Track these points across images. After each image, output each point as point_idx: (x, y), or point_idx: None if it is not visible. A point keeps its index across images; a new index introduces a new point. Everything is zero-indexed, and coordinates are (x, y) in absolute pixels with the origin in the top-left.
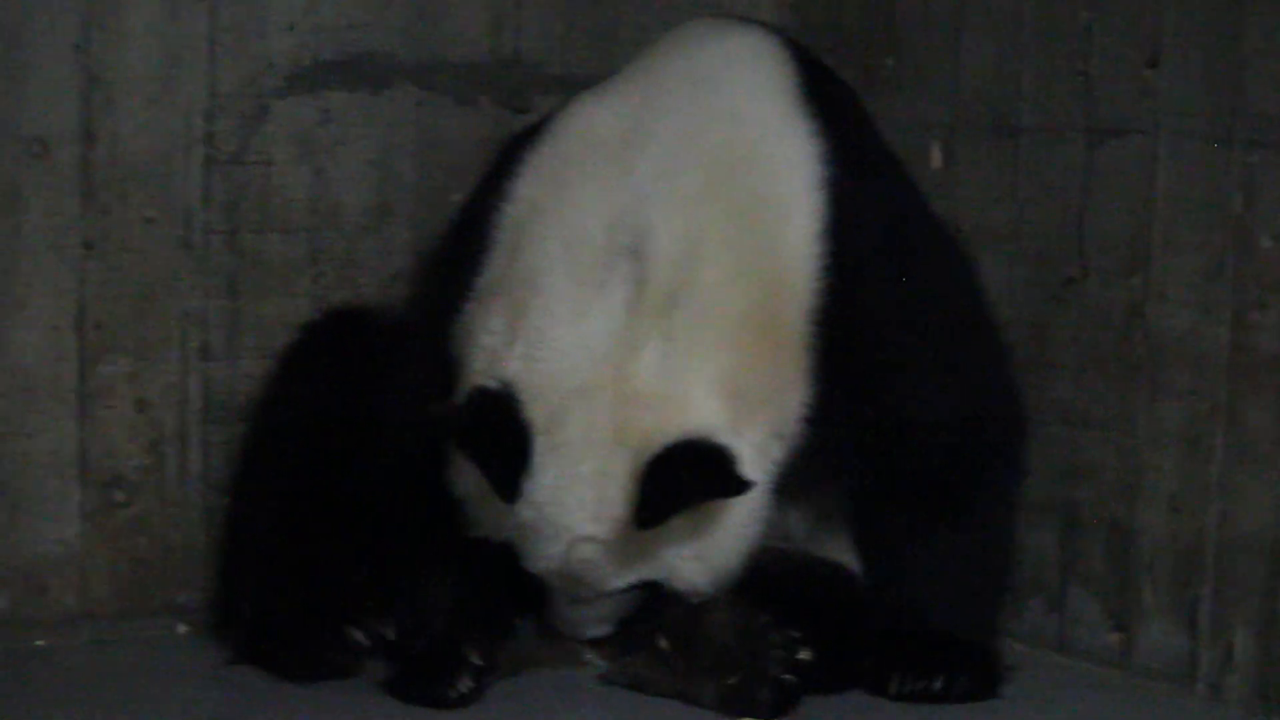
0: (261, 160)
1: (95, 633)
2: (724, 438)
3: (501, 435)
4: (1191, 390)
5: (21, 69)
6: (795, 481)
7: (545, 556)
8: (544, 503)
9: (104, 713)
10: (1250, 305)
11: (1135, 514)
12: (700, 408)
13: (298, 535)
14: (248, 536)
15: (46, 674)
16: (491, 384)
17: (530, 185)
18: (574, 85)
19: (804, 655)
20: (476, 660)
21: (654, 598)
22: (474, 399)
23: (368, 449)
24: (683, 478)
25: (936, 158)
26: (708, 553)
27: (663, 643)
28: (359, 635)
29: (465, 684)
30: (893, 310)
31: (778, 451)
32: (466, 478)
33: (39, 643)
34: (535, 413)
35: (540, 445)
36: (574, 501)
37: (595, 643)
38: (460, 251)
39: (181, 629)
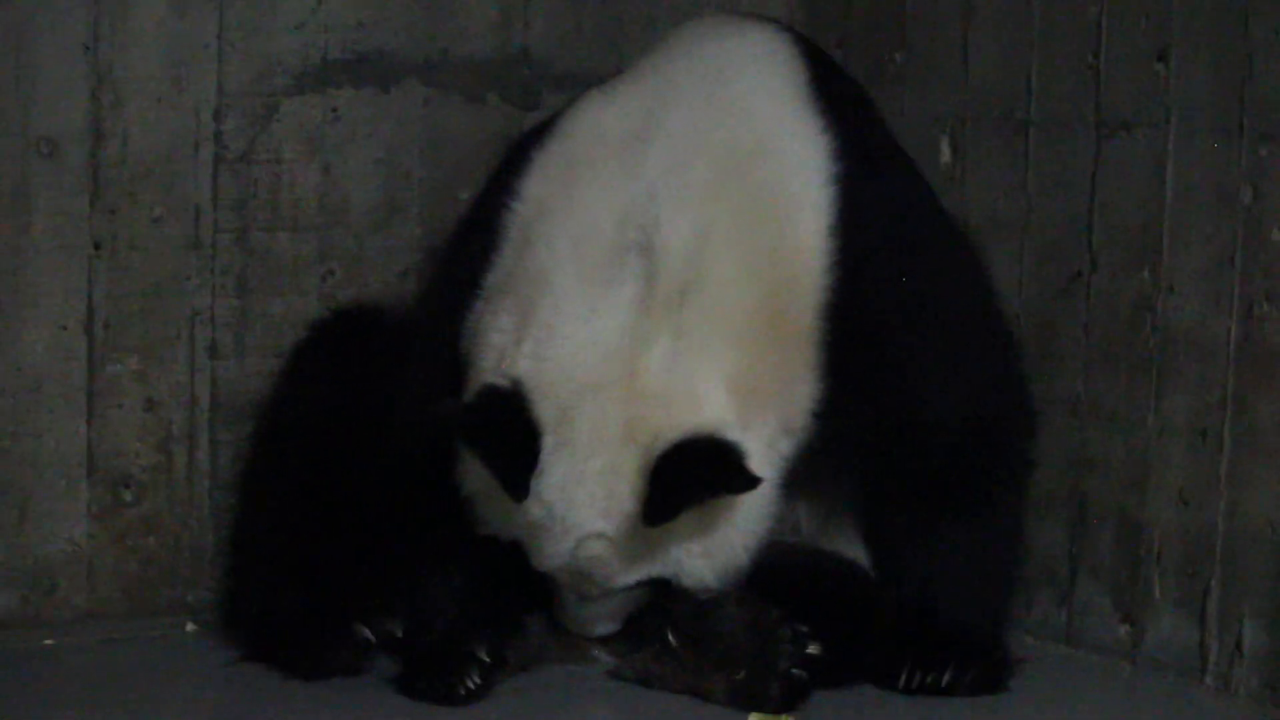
0: (270, 159)
1: (104, 632)
2: (733, 434)
3: (510, 433)
4: (1200, 382)
5: (30, 69)
6: (804, 476)
7: (554, 554)
8: (553, 500)
9: (113, 711)
10: (1259, 297)
11: (1144, 506)
12: (709, 404)
13: (306, 533)
14: (256, 535)
15: (55, 673)
16: (500, 382)
17: (539, 183)
18: (582, 82)
19: (813, 649)
20: (484, 657)
21: (663, 594)
22: (483, 397)
23: (376, 447)
24: (691, 474)
25: (945, 152)
26: (716, 549)
27: (672, 638)
28: (367, 633)
29: (473, 680)
30: (902, 305)
31: (787, 447)
32: (475, 475)
33: (48, 642)
34: (544, 410)
35: (549, 443)
36: (583, 498)
37: (604, 639)
38: (469, 249)
39: (190, 627)
